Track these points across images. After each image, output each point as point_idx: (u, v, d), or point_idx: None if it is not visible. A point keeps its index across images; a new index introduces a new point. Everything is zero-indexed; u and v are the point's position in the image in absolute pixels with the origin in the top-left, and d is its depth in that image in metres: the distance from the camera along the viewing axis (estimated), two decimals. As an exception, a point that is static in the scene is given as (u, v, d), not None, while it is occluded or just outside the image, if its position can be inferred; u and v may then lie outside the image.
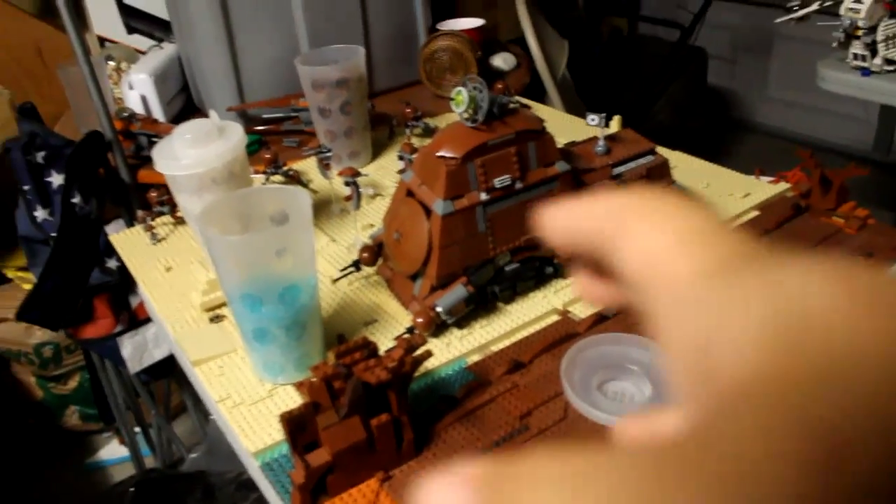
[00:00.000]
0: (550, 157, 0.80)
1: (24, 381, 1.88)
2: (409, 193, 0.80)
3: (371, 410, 0.62)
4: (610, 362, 0.73)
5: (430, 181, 0.77)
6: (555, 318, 0.82)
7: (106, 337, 1.39)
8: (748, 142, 3.24)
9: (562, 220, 0.28)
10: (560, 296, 0.83)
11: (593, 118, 0.85)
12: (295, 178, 1.14)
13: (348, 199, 0.95)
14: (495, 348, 0.78)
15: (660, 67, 2.83)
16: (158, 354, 1.43)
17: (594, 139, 0.90)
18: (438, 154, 0.76)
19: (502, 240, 0.80)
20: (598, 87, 2.43)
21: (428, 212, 0.77)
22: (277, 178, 1.15)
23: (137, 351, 1.41)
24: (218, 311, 0.88)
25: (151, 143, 1.45)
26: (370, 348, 0.64)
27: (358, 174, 0.93)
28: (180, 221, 1.10)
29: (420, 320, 0.77)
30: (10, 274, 1.84)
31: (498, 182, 0.76)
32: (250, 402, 0.74)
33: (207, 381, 0.78)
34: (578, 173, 0.84)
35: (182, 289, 0.94)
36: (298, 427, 0.60)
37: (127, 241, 1.08)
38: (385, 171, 1.18)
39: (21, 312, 1.33)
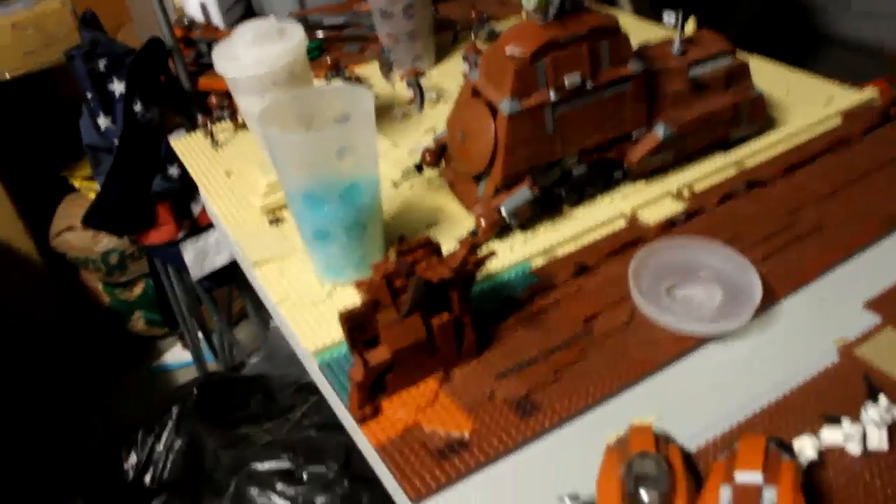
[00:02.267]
0: (624, 56, 0.76)
1: (92, 288, 1.93)
2: (475, 93, 0.77)
3: (432, 310, 0.60)
4: (679, 267, 0.70)
5: (496, 80, 0.74)
6: (622, 223, 0.79)
7: (169, 243, 1.41)
8: (830, 55, 3.08)
9: None
10: (628, 201, 0.80)
11: (670, 14, 0.80)
12: (357, 83, 1.12)
13: (411, 101, 0.92)
14: (560, 252, 0.76)
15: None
16: (220, 261, 1.44)
17: (669, 41, 0.85)
18: (507, 52, 0.72)
19: (571, 141, 0.76)
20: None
21: (494, 111, 0.74)
22: (338, 82, 1.13)
23: (199, 257, 1.43)
24: (278, 214, 0.88)
25: (211, 51, 1.44)
26: (433, 247, 0.63)
27: (421, 74, 0.90)
28: (241, 127, 1.09)
29: (483, 222, 0.75)
30: (77, 184, 1.88)
31: (568, 81, 0.73)
32: (310, 302, 0.73)
33: (267, 282, 0.78)
34: (652, 75, 0.80)
35: (242, 192, 0.94)
36: (358, 325, 0.59)
37: (188, 146, 1.08)
38: (449, 76, 1.15)
39: (86, 217, 1.35)
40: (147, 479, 1.34)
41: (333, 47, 1.33)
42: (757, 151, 0.86)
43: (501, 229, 0.77)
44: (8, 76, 1.69)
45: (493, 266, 0.73)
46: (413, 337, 0.60)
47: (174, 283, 1.58)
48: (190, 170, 1.03)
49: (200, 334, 1.74)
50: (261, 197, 0.89)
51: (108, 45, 1.31)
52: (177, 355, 1.96)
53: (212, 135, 1.06)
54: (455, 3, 1.43)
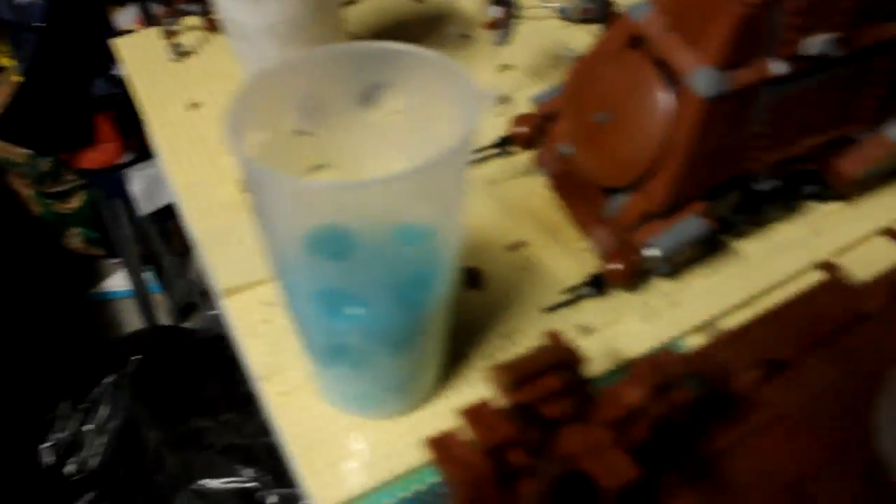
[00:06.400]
0: (891, 7, 0.45)
1: (21, 193, 1.58)
2: (635, 42, 0.45)
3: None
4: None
5: (690, 28, 0.42)
6: (815, 276, 0.49)
7: (110, 168, 1.07)
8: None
9: None
10: (825, 237, 0.50)
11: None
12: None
13: (489, 25, 0.59)
14: (726, 323, 0.46)
15: None
16: (177, 196, 1.12)
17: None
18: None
19: (776, 146, 0.46)
20: None
21: (675, 85, 0.42)
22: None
23: (151, 187, 1.10)
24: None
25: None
26: (570, 376, 0.32)
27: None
28: (217, 30, 0.75)
29: (616, 266, 0.45)
30: (2, 60, 1.50)
31: (815, 46, 0.41)
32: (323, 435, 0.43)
33: (245, 334, 0.48)
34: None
35: (213, 144, 0.62)
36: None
37: (136, 49, 0.75)
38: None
39: (-1, 126, 1.02)
40: (71, 467, 1.05)
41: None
42: None
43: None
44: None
45: (620, 342, 0.43)
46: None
47: (117, 208, 1.25)
48: (138, 92, 0.70)
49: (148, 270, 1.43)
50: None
51: None
52: (120, 281, 1.64)
53: (173, 37, 0.72)
54: None
